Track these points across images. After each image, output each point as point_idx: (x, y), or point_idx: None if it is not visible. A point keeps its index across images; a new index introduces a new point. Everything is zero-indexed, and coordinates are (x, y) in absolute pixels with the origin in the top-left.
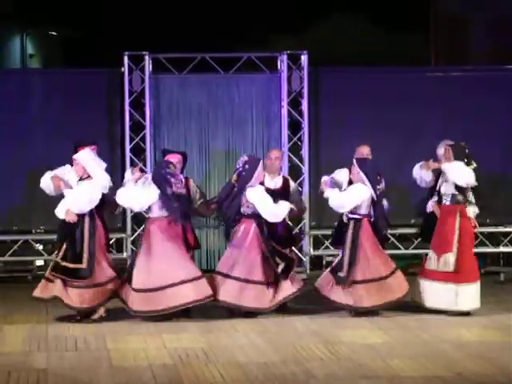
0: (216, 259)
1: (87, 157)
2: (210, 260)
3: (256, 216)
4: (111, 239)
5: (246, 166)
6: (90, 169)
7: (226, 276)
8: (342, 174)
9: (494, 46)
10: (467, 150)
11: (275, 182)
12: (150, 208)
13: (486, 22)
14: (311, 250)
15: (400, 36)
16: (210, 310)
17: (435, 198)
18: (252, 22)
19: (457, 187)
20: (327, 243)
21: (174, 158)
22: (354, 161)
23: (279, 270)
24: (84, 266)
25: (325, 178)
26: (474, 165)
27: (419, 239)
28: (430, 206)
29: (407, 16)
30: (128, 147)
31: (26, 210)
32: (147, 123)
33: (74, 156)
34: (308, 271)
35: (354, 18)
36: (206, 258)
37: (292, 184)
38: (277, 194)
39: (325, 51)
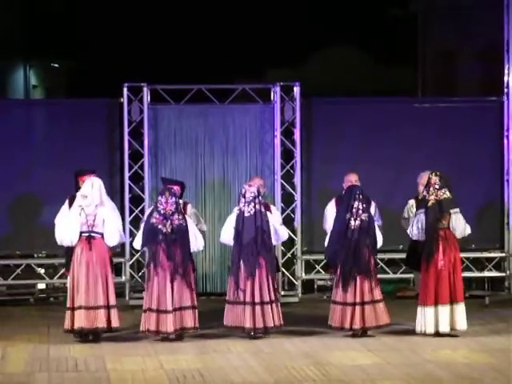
0: (210, 282)
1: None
2: (206, 284)
3: None
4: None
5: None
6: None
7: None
8: (330, 213)
9: (480, 78)
10: (433, 178)
11: None
12: None
13: (473, 54)
14: (303, 274)
15: (389, 68)
16: (206, 331)
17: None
18: (247, 55)
19: None
20: (318, 268)
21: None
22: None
23: None
24: None
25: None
26: (447, 194)
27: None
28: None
29: (396, 49)
30: (127, 175)
31: (28, 236)
32: (145, 152)
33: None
34: (300, 295)
35: (345, 51)
36: (201, 282)
37: None
38: None
39: (317, 83)
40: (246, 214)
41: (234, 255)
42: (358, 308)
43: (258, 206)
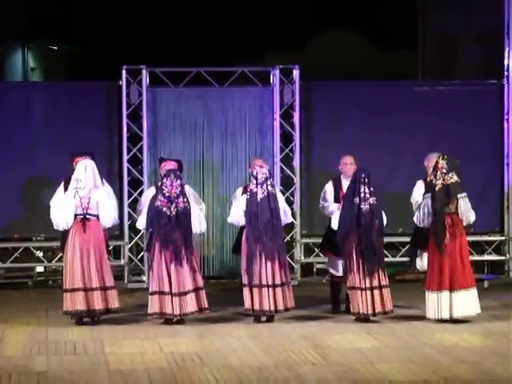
0: (209, 266)
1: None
2: (204, 267)
3: None
4: (109, 246)
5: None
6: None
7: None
8: (329, 192)
9: (481, 61)
10: (440, 162)
11: None
12: None
13: (473, 37)
14: (302, 258)
15: (389, 52)
16: (206, 314)
17: None
18: (246, 38)
19: None
20: (318, 251)
21: (170, 166)
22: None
23: None
24: None
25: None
26: (455, 178)
27: (406, 247)
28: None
29: (396, 32)
30: (126, 158)
31: (26, 219)
32: (144, 135)
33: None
34: (299, 278)
35: (345, 34)
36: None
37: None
38: None
39: (316, 66)
40: (260, 196)
41: (248, 238)
42: (368, 293)
43: (270, 188)
